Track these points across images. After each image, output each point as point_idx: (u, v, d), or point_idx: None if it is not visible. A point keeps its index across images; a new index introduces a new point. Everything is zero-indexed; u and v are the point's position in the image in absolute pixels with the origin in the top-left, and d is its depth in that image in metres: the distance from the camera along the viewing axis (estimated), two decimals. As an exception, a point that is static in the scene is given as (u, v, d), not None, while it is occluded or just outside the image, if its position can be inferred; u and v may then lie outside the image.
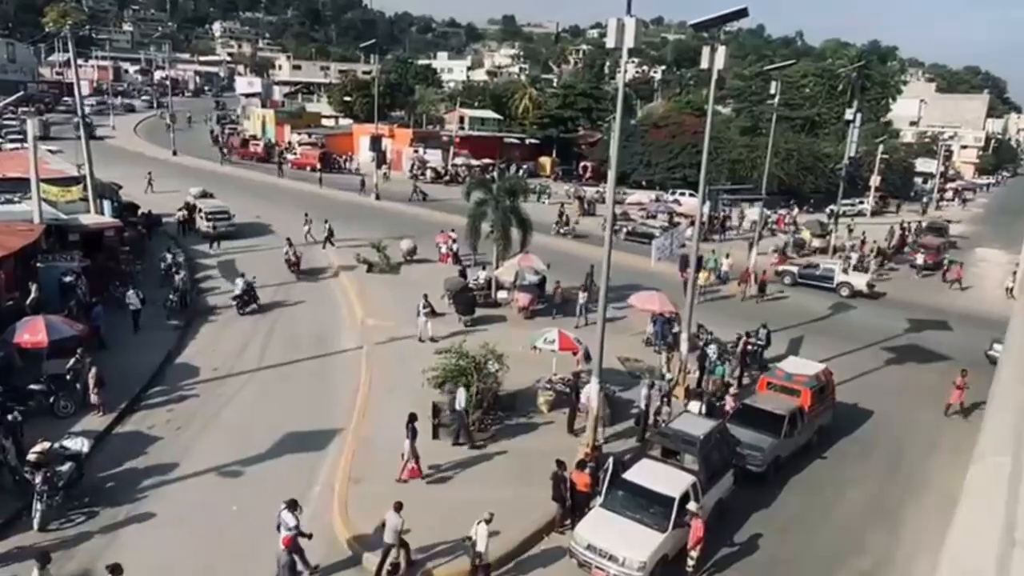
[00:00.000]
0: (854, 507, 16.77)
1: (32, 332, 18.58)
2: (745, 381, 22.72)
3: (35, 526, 13.83)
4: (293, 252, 31.47)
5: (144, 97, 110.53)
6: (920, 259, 40.55)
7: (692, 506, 13.58)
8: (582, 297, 26.91)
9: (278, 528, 12.71)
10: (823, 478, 17.99)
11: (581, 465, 15.37)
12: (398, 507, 12.98)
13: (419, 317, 24.15)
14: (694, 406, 18.88)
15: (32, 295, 22.34)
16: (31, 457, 14.39)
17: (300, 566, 12.62)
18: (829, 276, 35.21)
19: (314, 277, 31.55)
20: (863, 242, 43.10)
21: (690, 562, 13.53)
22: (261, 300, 27.14)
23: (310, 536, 12.92)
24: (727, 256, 35.60)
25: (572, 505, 14.73)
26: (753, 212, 44.42)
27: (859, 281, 34.83)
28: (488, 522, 12.86)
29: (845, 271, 35.52)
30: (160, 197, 42.59)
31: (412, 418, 16.09)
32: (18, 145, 46.68)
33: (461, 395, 17.50)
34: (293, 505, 12.83)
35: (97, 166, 32.19)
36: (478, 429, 18.03)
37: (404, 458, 15.96)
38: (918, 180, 78.84)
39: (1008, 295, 36.22)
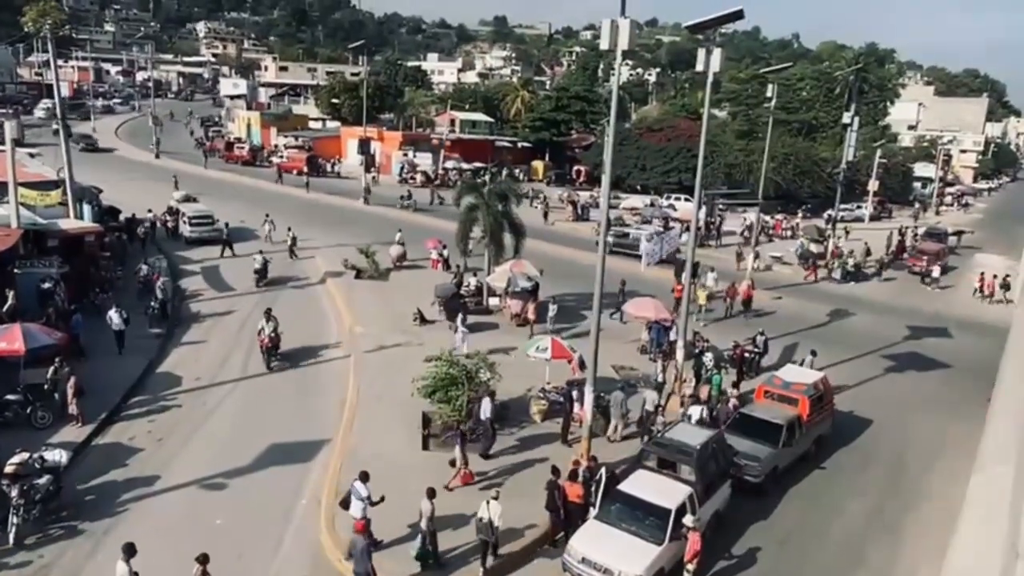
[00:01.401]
0: (854, 519, 16.79)
1: (8, 340, 18.40)
2: (743, 389, 22.76)
3: (10, 540, 13.69)
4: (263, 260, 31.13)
5: (115, 100, 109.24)
6: (936, 271, 40.39)
7: (688, 520, 13.57)
8: (552, 309, 26.85)
9: (345, 506, 13.52)
10: (822, 489, 18.02)
11: (573, 476, 15.35)
12: (431, 494, 13.50)
13: (457, 332, 23.75)
14: (695, 410, 18.96)
15: (9, 302, 22.19)
16: (7, 469, 14.23)
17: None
18: (636, 244, 36.80)
19: (285, 285, 31.23)
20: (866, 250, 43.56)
21: (687, 576, 13.55)
22: (248, 306, 27.11)
23: (381, 500, 13.61)
24: (711, 271, 32.89)
25: (565, 516, 14.72)
26: (750, 217, 44.67)
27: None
28: (496, 499, 13.55)
29: (650, 239, 37.25)
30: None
31: (458, 424, 17.00)
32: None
33: (487, 405, 17.63)
34: (365, 477, 13.60)
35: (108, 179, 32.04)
36: (469, 440, 17.97)
37: (456, 465, 16.29)
38: (917, 185, 79.34)
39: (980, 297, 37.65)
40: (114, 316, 22.69)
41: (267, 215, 38.11)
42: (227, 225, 36.27)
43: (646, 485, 14.57)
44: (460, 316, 24.50)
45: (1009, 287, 37.04)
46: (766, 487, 17.21)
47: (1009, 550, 5.02)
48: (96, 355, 21.99)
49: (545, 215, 48.88)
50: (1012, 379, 10.10)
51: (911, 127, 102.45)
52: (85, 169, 41.96)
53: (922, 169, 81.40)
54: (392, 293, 30.19)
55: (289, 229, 35.73)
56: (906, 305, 35.56)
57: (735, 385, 22.34)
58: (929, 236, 49.33)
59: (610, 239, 42.34)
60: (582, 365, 19.76)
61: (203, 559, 11.72)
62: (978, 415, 18.64)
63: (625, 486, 14.62)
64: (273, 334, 22.63)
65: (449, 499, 15.13)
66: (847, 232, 47.69)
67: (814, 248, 42.31)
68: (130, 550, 11.65)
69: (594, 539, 13.60)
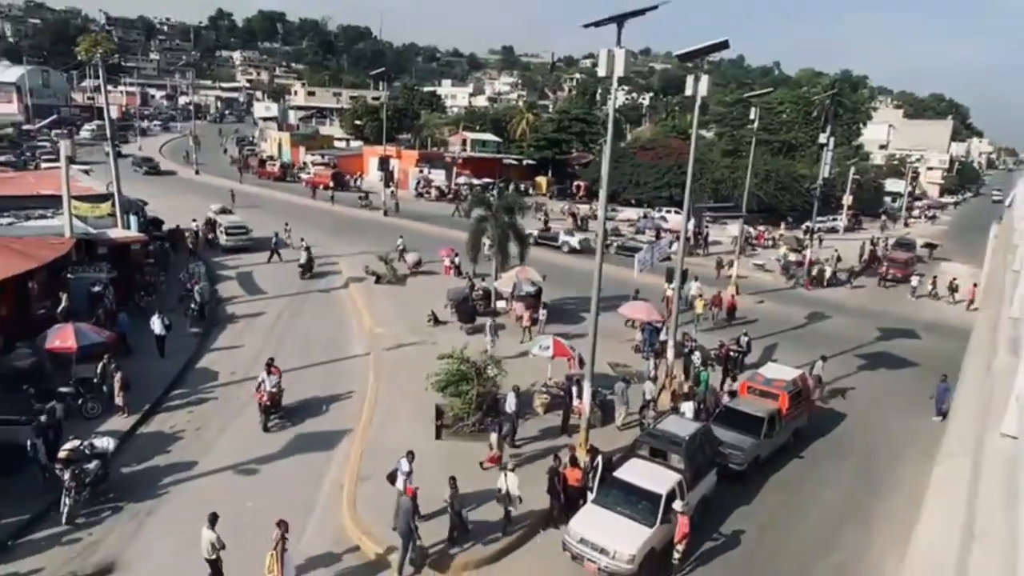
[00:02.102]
0: (829, 505, 16.73)
1: (63, 338, 18.59)
2: (727, 386, 22.71)
3: (63, 519, 13.81)
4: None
5: (156, 123, 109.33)
6: (915, 280, 39.48)
7: (678, 504, 13.55)
8: (542, 314, 26.79)
9: (392, 480, 13.99)
10: (800, 477, 17.96)
11: (574, 462, 15.39)
12: (452, 482, 13.73)
13: (487, 337, 23.57)
14: (687, 406, 18.97)
15: (63, 304, 22.35)
16: (61, 455, 14.37)
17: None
18: (556, 236, 43.78)
19: (312, 289, 31.19)
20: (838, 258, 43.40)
21: (676, 555, 13.51)
22: (278, 308, 27.15)
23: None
24: (695, 279, 30.98)
25: (565, 499, 14.72)
26: (734, 228, 44.59)
27: (574, 241, 43.19)
28: (512, 470, 14.21)
29: (570, 233, 44.44)
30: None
31: (502, 413, 17.45)
32: (52, 165, 46.78)
33: (511, 399, 17.71)
34: (412, 456, 14.10)
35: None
36: (478, 431, 17.99)
37: (492, 448, 16.62)
38: (887, 199, 79.03)
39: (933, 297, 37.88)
40: (156, 322, 22.44)
41: (286, 224, 38.17)
42: (276, 235, 36.26)
43: (639, 472, 14.55)
44: (490, 322, 24.43)
45: (957, 289, 37.43)
46: (749, 475, 17.17)
47: (966, 533, 5.03)
48: (141, 352, 22.12)
49: (546, 224, 48.72)
50: (972, 377, 10.07)
51: (882, 146, 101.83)
52: (132, 185, 42.24)
53: (892, 185, 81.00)
54: (409, 297, 30.24)
55: (302, 239, 34.72)
56: (877, 309, 35.39)
57: (722, 384, 22.37)
58: (899, 246, 49.12)
59: (618, 242, 42.89)
60: (581, 362, 19.77)
61: (283, 525, 11.84)
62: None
63: (620, 473, 14.62)
64: (275, 389, 18.49)
65: (477, 478, 15.41)
66: (820, 240, 47.58)
67: (793, 257, 42.18)
68: (214, 519, 12.09)
69: (591, 521, 13.59)
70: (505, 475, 14.24)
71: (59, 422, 16.42)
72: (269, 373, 18.62)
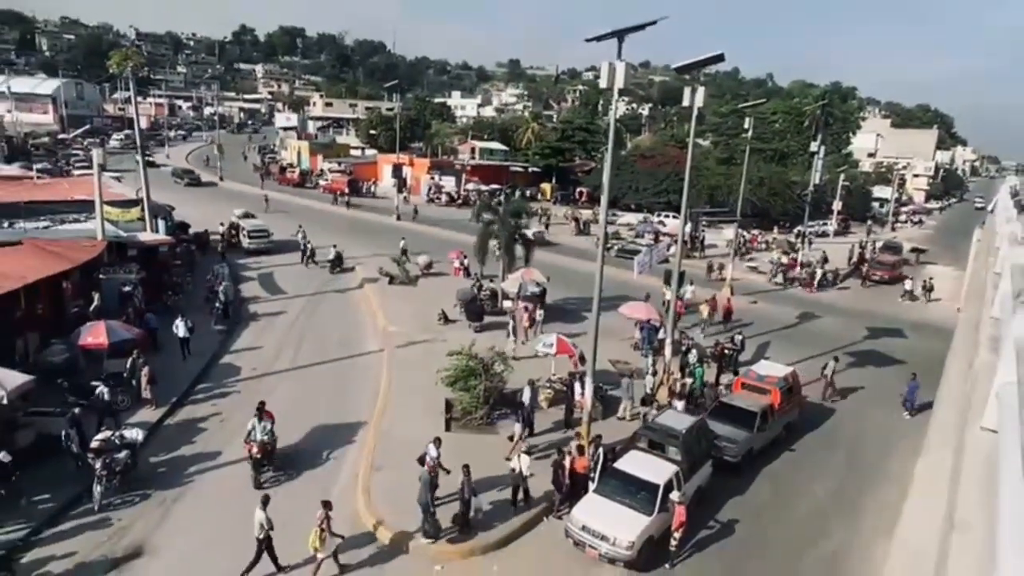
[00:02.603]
0: (819, 495, 16.69)
1: (95, 335, 18.71)
2: (723, 381, 22.67)
3: (95, 506, 13.90)
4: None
5: (180, 133, 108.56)
6: (908, 283, 39.21)
7: (675, 495, 13.54)
8: (539, 315, 26.80)
9: (421, 462, 14.05)
10: (791, 469, 17.91)
11: (581, 450, 15.49)
12: (466, 469, 13.79)
13: (508, 337, 23.58)
14: (678, 405, 18.92)
15: (95, 303, 22.50)
16: (93, 445, 14.48)
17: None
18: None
19: (329, 289, 31.31)
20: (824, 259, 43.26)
21: (673, 543, 13.49)
22: (297, 308, 27.24)
23: (448, 471, 14.19)
24: (691, 283, 30.97)
25: (572, 484, 14.83)
26: (729, 232, 44.46)
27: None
28: (526, 452, 14.79)
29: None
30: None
31: (520, 405, 17.53)
32: (84, 172, 47.09)
33: (527, 392, 17.88)
34: (439, 442, 14.46)
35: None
36: (486, 423, 18.00)
37: (514, 440, 16.93)
38: (875, 205, 78.64)
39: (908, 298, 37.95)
40: (179, 325, 22.02)
41: (299, 226, 38.39)
42: (306, 240, 36.08)
43: (638, 463, 14.55)
44: (512, 323, 24.30)
45: (932, 288, 37.85)
46: (743, 467, 17.13)
47: (947, 522, 5.02)
48: (168, 349, 22.18)
49: (546, 226, 49.00)
50: (955, 374, 10.02)
51: (870, 154, 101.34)
52: (165, 193, 42.58)
53: (880, 191, 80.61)
54: (420, 297, 30.26)
55: (303, 234, 35.87)
56: (865, 309, 35.23)
57: (716, 380, 22.33)
58: (886, 249, 48.87)
59: (619, 245, 42.81)
60: (582, 359, 19.77)
61: (328, 505, 12.23)
62: (928, 406, 18.46)
63: (620, 464, 14.62)
64: (267, 438, 15.24)
65: (485, 466, 15.38)
66: (810, 243, 47.40)
67: (784, 260, 42.03)
68: (266, 500, 12.39)
69: (593, 510, 13.60)
70: (519, 456, 14.75)
71: (108, 405, 16.69)
72: (260, 418, 15.35)
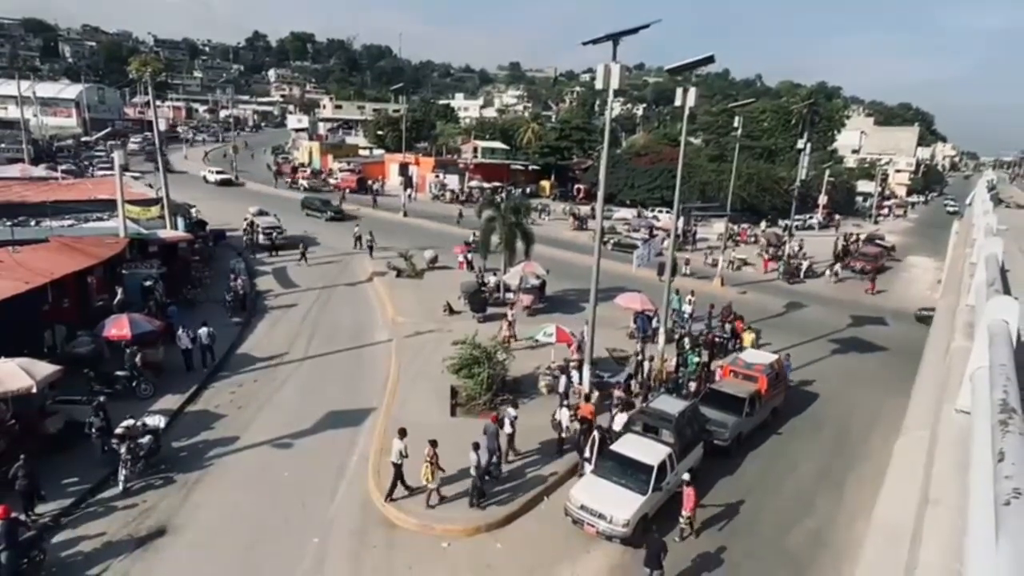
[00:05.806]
0: (805, 475, 16.76)
1: (118, 327, 18.76)
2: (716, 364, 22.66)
3: (120, 488, 14.00)
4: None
5: (196, 135, 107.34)
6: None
7: (686, 476, 13.61)
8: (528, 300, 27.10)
9: (475, 448, 13.89)
10: (778, 451, 17.98)
11: (587, 399, 16.38)
12: (475, 446, 13.96)
13: (504, 323, 23.81)
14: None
15: (118, 297, 22.57)
16: (118, 431, 14.56)
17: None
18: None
19: (340, 283, 31.18)
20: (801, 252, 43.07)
21: (682, 522, 13.57)
22: (310, 300, 27.30)
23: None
24: (691, 294, 28.37)
25: (582, 432, 15.64)
26: (719, 226, 44.36)
27: None
28: (567, 407, 16.12)
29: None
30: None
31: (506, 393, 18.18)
32: (106, 172, 47.06)
33: (566, 380, 18.48)
34: (516, 404, 16.04)
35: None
36: (489, 408, 18.07)
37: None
38: (859, 199, 78.39)
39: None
40: (182, 336, 20.09)
41: (306, 231, 38.21)
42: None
43: (633, 446, 14.61)
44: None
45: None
46: (732, 449, 17.20)
47: (923, 498, 5.06)
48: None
49: (539, 214, 48.78)
50: (932, 360, 10.05)
51: (855, 151, 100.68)
52: (189, 191, 42.57)
53: (864, 186, 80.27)
54: (426, 289, 30.29)
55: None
56: (849, 298, 35.21)
57: (708, 365, 22.33)
58: (869, 242, 48.70)
59: (615, 239, 42.71)
60: (580, 347, 19.81)
61: (434, 443, 13.42)
62: (908, 390, 18.43)
63: (616, 446, 14.69)
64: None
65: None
66: (791, 235, 47.26)
67: (771, 251, 41.95)
68: (403, 432, 13.76)
69: (591, 489, 13.68)
70: (561, 408, 16.20)
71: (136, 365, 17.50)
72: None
